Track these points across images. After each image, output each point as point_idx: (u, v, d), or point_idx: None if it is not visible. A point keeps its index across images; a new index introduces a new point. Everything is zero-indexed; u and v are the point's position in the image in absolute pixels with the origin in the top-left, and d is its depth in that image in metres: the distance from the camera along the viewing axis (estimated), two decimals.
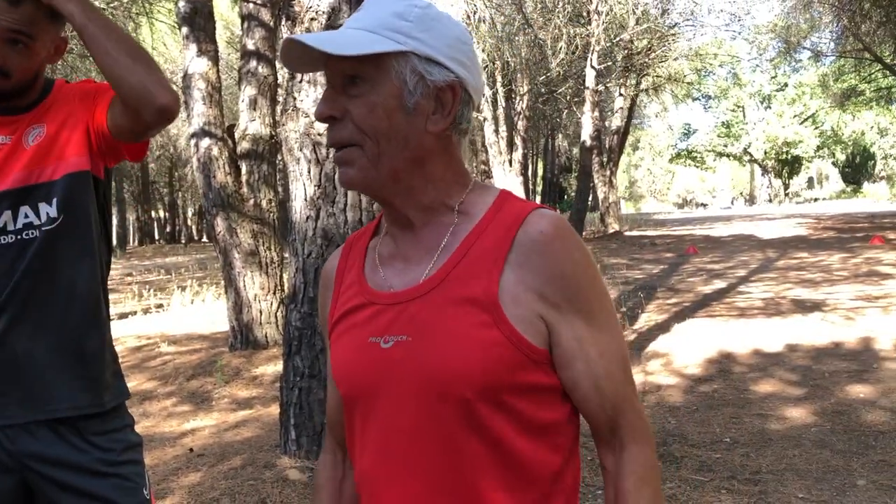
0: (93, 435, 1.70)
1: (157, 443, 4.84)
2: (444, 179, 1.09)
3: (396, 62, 1.02)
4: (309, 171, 3.68)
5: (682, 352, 6.47)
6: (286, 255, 6.55)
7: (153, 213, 44.64)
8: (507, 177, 19.94)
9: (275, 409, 5.07)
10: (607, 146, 24.37)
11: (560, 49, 18.49)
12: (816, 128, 52.76)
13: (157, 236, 43.83)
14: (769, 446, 4.16)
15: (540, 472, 1.06)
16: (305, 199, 3.70)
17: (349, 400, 1.12)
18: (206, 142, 6.93)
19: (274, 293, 7.07)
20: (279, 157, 7.21)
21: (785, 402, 4.94)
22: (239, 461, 4.08)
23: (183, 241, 38.18)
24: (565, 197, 50.04)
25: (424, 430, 1.03)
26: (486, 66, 18.55)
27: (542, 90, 22.73)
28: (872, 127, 50.06)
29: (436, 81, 1.03)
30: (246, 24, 7.26)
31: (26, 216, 1.66)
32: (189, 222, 46.57)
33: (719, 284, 10.77)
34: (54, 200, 1.68)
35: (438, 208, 1.09)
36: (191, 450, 4.52)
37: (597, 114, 21.09)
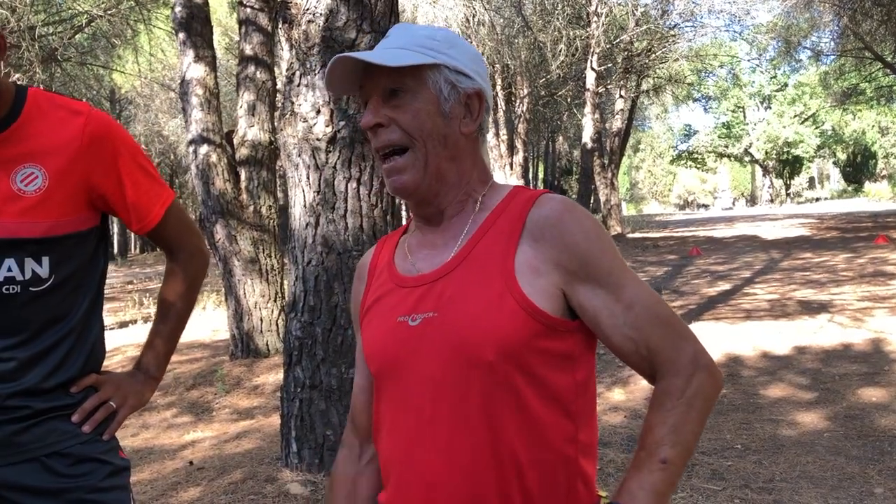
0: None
1: (156, 455, 4.75)
2: (472, 175, 1.24)
3: (432, 73, 1.18)
4: (308, 177, 3.60)
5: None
6: (287, 261, 6.47)
7: None
8: (507, 180, 19.86)
9: (276, 420, 4.99)
10: (608, 148, 24.27)
11: (560, 51, 18.41)
12: (817, 127, 52.62)
13: None
14: (782, 453, 4.07)
15: (555, 435, 1.13)
16: (304, 206, 3.61)
17: (379, 376, 1.22)
18: (204, 148, 6.85)
19: (275, 301, 6.98)
20: (279, 163, 7.13)
21: (796, 407, 4.85)
22: (240, 475, 3.98)
23: None
24: None
25: (451, 397, 1.12)
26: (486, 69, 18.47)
27: (543, 93, 22.66)
28: (873, 126, 49.95)
29: (465, 89, 1.20)
30: (243, 29, 7.18)
31: (9, 269, 1.47)
32: None
33: (724, 286, 10.68)
34: (45, 259, 1.51)
35: (465, 201, 1.24)
36: (191, 463, 4.43)
37: (597, 116, 21.02)
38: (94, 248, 1.62)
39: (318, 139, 3.56)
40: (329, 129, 3.55)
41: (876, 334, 6.65)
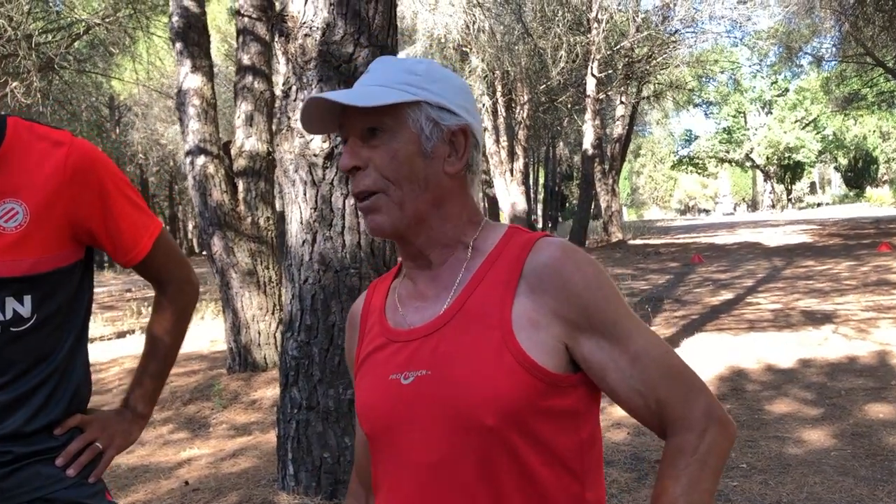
0: None
1: (151, 474, 4.67)
2: (461, 218, 1.15)
3: (412, 111, 1.10)
4: (305, 194, 3.52)
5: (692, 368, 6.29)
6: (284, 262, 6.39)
7: None
8: (508, 186, 19.79)
9: (273, 437, 4.91)
10: (609, 154, 24.22)
11: (560, 58, 18.35)
12: (818, 132, 52.60)
13: None
14: (788, 473, 3.98)
15: (560, 497, 1.07)
16: (301, 223, 3.54)
17: (373, 437, 1.15)
18: (201, 160, 6.78)
19: (272, 313, 6.90)
20: (276, 174, 7.06)
21: (802, 424, 4.76)
22: (235, 497, 3.90)
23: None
24: (567, 205, 49.91)
25: (449, 462, 1.05)
26: (486, 75, 18.42)
27: (543, 99, 22.60)
28: (874, 131, 49.92)
29: (449, 126, 1.11)
30: (241, 39, 7.11)
31: None
32: (190, 235, 46.42)
33: (727, 295, 10.60)
34: (27, 298, 1.43)
35: (454, 246, 1.15)
36: (186, 483, 4.35)
37: (598, 122, 20.96)
38: (79, 282, 1.54)
39: (314, 155, 3.49)
40: (326, 145, 3.48)
41: (881, 347, 6.56)
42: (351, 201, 3.49)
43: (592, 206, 24.80)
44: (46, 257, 1.43)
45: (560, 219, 44.13)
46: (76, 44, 17.00)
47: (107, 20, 14.58)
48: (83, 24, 15.14)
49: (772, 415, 4.99)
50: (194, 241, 45.05)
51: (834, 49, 25.34)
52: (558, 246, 1.09)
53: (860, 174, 54.25)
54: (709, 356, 6.68)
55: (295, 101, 3.55)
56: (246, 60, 7.04)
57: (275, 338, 6.88)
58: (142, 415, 1.65)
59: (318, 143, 3.49)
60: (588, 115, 20.55)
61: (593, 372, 1.07)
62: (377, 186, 1.10)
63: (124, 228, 1.53)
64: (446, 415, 1.05)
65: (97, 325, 11.67)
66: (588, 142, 20.62)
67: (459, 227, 1.15)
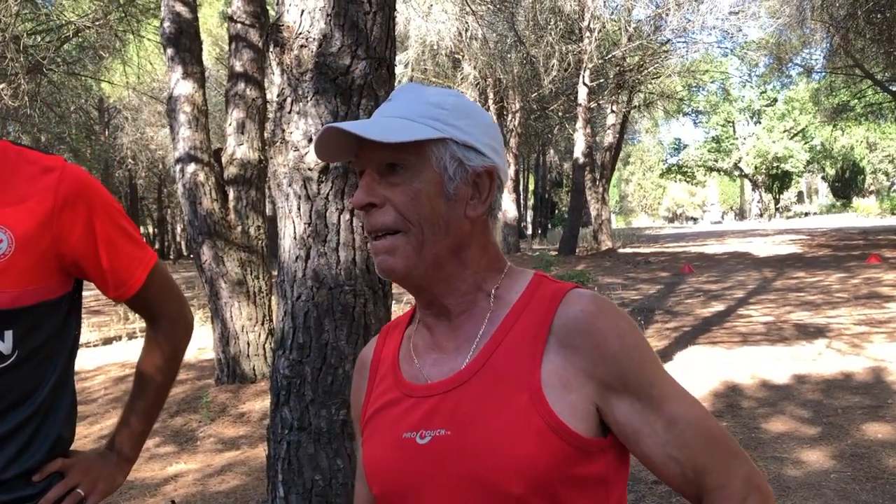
0: None
1: (137, 491, 4.56)
2: (481, 265, 1.08)
3: (437, 149, 1.02)
4: (299, 208, 3.43)
5: (686, 383, 6.15)
6: (275, 279, 6.31)
7: (141, 230, 44.21)
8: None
9: (262, 451, 4.81)
10: (599, 163, 24.22)
11: (552, 66, 18.34)
12: (806, 142, 52.90)
13: None
14: (788, 496, 3.92)
15: None
16: (295, 238, 3.44)
17: (383, 501, 1.07)
18: (191, 167, 6.67)
19: (262, 324, 6.80)
20: (268, 182, 6.97)
21: (800, 444, 4.70)
22: None
23: (172, 258, 37.76)
24: (556, 212, 49.95)
25: None
26: (478, 83, 18.38)
27: (535, 107, 22.59)
28: (861, 141, 50.26)
29: (474, 167, 1.04)
30: (233, 45, 7.01)
31: None
32: (178, 238, 46.17)
33: (718, 307, 10.57)
34: (8, 333, 1.32)
35: (475, 295, 1.07)
36: (172, 501, 4.24)
37: (589, 130, 20.96)
38: (65, 316, 1.44)
39: (309, 169, 3.40)
40: (315, 152, 3.39)
41: (876, 363, 6.53)
42: (346, 217, 3.40)
43: (583, 214, 24.78)
44: (31, 289, 1.34)
45: (550, 226, 44.16)
46: (65, 46, 16.84)
47: (97, 23, 14.43)
48: (72, 26, 14.99)
49: (769, 434, 4.93)
50: (183, 244, 44.84)
51: (823, 60, 25.47)
52: (590, 299, 1.02)
53: (847, 184, 54.58)
54: (702, 370, 6.62)
55: (290, 112, 3.46)
56: (238, 67, 6.94)
57: (264, 349, 6.77)
58: (128, 458, 1.56)
59: (313, 157, 3.40)
60: (579, 124, 20.55)
61: (626, 436, 1.00)
62: (396, 225, 1.01)
63: (117, 261, 1.44)
64: (468, 481, 0.97)
65: (83, 331, 11.49)
66: (579, 150, 20.62)
67: (480, 275, 1.07)
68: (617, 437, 1.01)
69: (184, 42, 6.80)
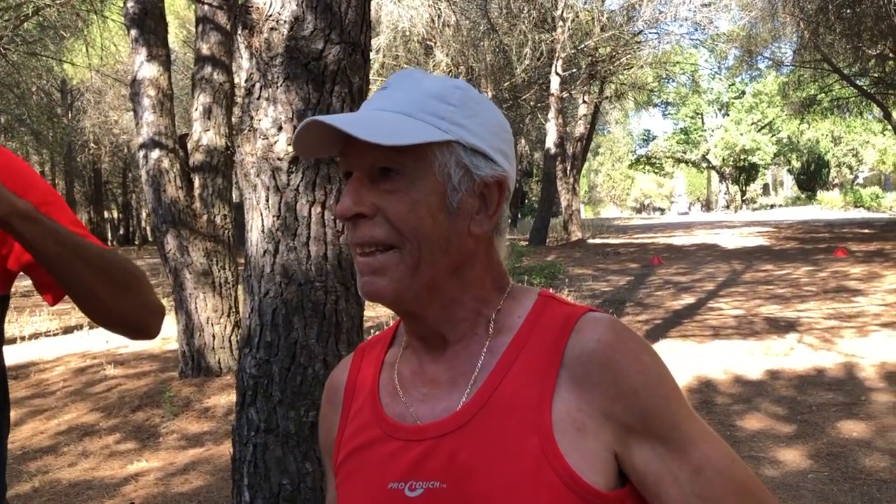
0: None
1: (94, 491, 4.37)
2: (483, 286, 0.93)
3: (440, 152, 0.86)
4: (267, 200, 3.27)
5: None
6: (241, 270, 6.13)
7: (105, 214, 43.37)
8: None
9: (226, 448, 4.65)
10: (570, 153, 24.20)
11: (525, 55, 18.22)
12: (774, 135, 53.48)
13: (109, 238, 42.59)
14: None
15: None
16: (263, 232, 3.28)
17: None
18: (155, 153, 6.44)
19: (228, 316, 6.61)
20: (235, 170, 6.77)
21: (776, 442, 4.66)
22: None
23: (137, 244, 37.13)
24: (526, 201, 49.98)
25: None
26: (450, 71, 18.21)
27: (507, 96, 22.47)
28: (827, 135, 50.93)
29: (483, 176, 0.89)
30: (200, 28, 6.78)
31: None
32: (143, 223, 45.42)
33: (688, 299, 10.57)
34: None
35: (474, 320, 0.92)
36: (131, 503, 4.07)
37: (560, 120, 20.90)
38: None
39: (279, 158, 3.24)
40: (292, 148, 3.23)
41: (847, 358, 6.53)
42: (318, 210, 3.25)
43: (553, 205, 24.75)
44: None
45: (520, 216, 44.18)
46: (25, 25, 16.33)
47: (57, 1, 13.99)
48: (32, 4, 14.52)
49: (745, 431, 4.88)
50: (148, 229, 44.11)
51: (792, 54, 25.66)
52: (608, 326, 0.87)
53: (812, 177, 55.32)
54: (676, 365, 6.57)
55: (259, 99, 3.29)
56: (205, 50, 6.72)
57: (230, 341, 6.59)
58: (27, 210, 1.17)
59: (283, 146, 3.24)
60: (551, 114, 20.48)
61: (646, 486, 0.86)
62: (389, 240, 0.86)
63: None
64: None
65: (42, 320, 11.19)
66: (551, 140, 20.56)
67: (480, 298, 0.92)
68: (635, 487, 0.87)
69: (149, 23, 6.55)
